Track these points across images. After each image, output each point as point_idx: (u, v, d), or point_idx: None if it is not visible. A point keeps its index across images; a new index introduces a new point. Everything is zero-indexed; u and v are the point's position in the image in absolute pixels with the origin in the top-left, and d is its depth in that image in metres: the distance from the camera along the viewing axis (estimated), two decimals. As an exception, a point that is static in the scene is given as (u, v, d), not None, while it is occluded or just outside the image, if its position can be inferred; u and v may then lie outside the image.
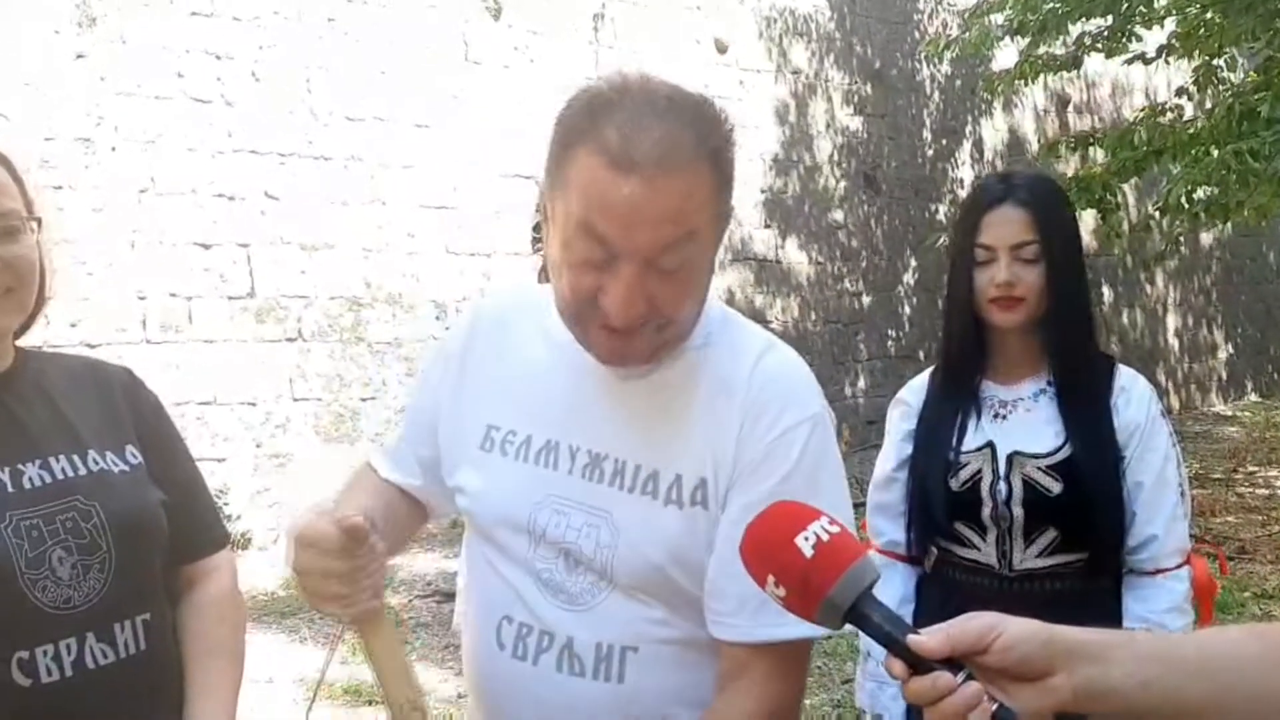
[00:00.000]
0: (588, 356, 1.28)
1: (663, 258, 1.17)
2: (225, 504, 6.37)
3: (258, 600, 5.75)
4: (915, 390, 2.13)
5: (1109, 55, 7.57)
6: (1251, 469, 8.76)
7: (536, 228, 2.47)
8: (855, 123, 9.95)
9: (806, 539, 0.95)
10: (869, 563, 0.96)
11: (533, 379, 1.37)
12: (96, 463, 1.45)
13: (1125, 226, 8.47)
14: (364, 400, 7.01)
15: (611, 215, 1.15)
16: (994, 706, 0.89)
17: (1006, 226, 1.95)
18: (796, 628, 1.22)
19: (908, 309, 10.38)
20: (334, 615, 1.26)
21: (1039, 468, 1.93)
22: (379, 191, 7.06)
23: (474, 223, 7.40)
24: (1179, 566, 1.94)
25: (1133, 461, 1.94)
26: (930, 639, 0.91)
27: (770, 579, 0.96)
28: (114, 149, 6.11)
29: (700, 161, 1.17)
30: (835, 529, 0.96)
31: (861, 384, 9.79)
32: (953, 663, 0.91)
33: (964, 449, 1.99)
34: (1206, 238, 13.04)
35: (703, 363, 1.31)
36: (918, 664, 0.91)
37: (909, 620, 1.17)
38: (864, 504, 2.16)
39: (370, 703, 4.40)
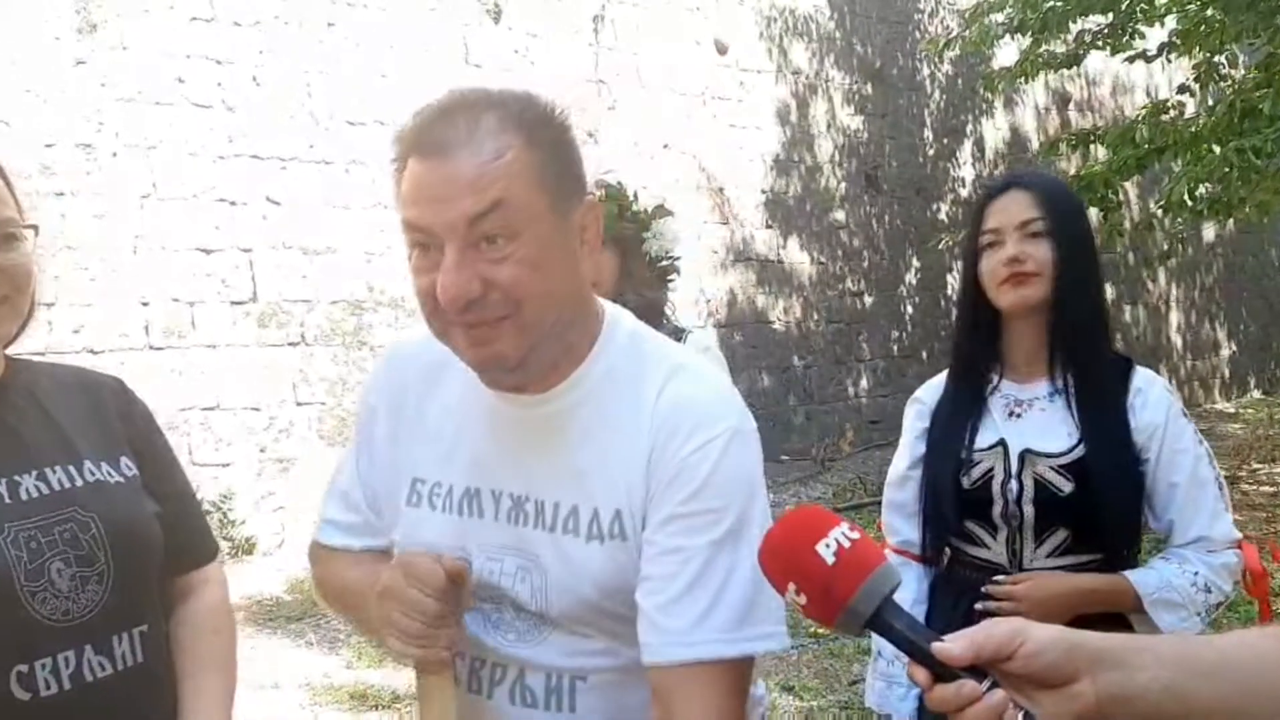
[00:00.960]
0: (497, 397, 1.26)
1: (478, 229, 1.14)
2: (229, 509, 6.38)
3: (263, 605, 5.75)
4: (932, 389, 2.12)
5: (1111, 53, 7.57)
6: (1256, 466, 8.75)
7: None
8: (856, 122, 9.95)
9: (828, 546, 0.94)
10: (890, 569, 0.95)
11: (450, 425, 1.34)
12: (93, 474, 1.44)
13: (1127, 224, 8.46)
14: (367, 404, 7.00)
15: (421, 200, 1.16)
16: (1019, 714, 0.89)
17: (1012, 207, 1.96)
18: (719, 647, 1.19)
19: (910, 309, 10.38)
20: (404, 655, 1.24)
21: (1051, 467, 1.92)
22: (380, 195, 7.05)
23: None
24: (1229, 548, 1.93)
25: (1161, 464, 1.91)
26: (954, 646, 0.91)
27: (791, 587, 0.96)
28: (115, 155, 6.11)
29: (508, 133, 1.16)
30: (856, 535, 0.95)
31: (864, 384, 9.79)
32: (976, 670, 0.90)
33: (977, 447, 1.98)
34: (1208, 235, 13.03)
35: (609, 391, 1.27)
36: (941, 671, 0.91)
37: (921, 620, 1.16)
38: (875, 503, 2.16)
39: (375, 707, 4.39)
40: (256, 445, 6.59)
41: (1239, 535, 1.98)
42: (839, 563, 0.93)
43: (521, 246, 1.16)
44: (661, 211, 2.82)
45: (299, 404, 6.75)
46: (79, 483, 1.42)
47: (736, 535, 1.19)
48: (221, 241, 6.46)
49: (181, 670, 1.49)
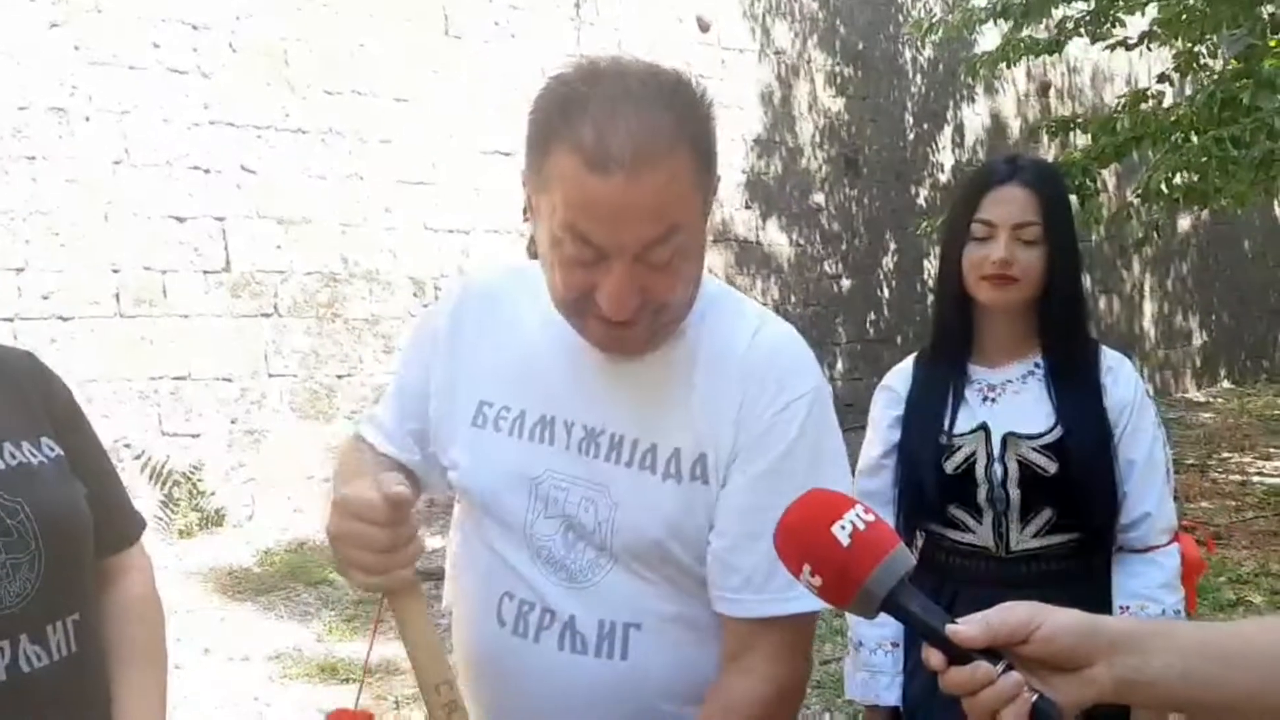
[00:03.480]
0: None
1: (652, 253, 1.16)
2: (199, 480, 6.33)
3: (233, 576, 5.71)
4: (900, 376, 2.11)
5: (1092, 40, 7.58)
6: (1225, 455, 8.84)
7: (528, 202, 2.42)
8: (837, 105, 9.93)
9: (843, 527, 0.94)
10: (904, 552, 0.95)
11: (525, 355, 1.35)
12: (14, 455, 1.35)
13: (1105, 213, 8.50)
14: (340, 377, 6.95)
15: (595, 217, 1.13)
16: (1034, 697, 0.89)
17: (1010, 205, 1.94)
18: (801, 602, 1.23)
19: (887, 293, 10.39)
20: (365, 585, 1.23)
21: (1033, 448, 1.93)
22: (357, 166, 6.99)
23: (453, 199, 7.34)
24: (1168, 544, 1.95)
25: (1124, 440, 1.94)
26: (970, 628, 0.90)
27: (806, 567, 0.96)
28: (88, 119, 6.01)
29: (680, 147, 1.15)
30: (870, 517, 0.96)
31: (840, 367, 9.80)
32: (991, 652, 0.90)
33: (957, 432, 1.97)
34: (1183, 225, 13.11)
35: (698, 338, 1.29)
36: (955, 654, 0.91)
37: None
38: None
39: (346, 680, 4.37)
40: (228, 416, 6.53)
41: (1176, 524, 2.00)
42: (854, 545, 0.93)
43: (685, 262, 1.20)
44: None
45: (271, 375, 6.69)
46: (1, 466, 1.33)
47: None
48: (195, 209, 6.38)
49: (112, 664, 1.43)
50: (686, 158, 1.16)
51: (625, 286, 1.16)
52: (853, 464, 2.23)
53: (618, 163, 1.11)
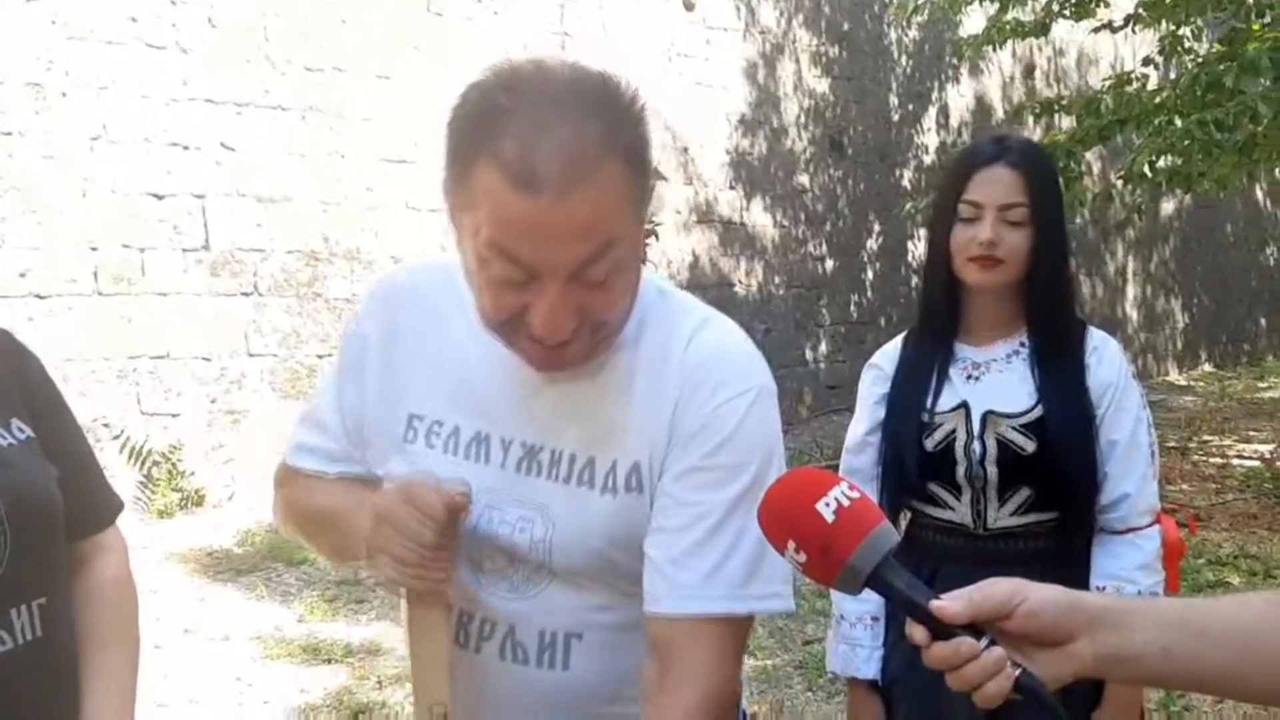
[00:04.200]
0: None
1: (587, 271, 1.10)
2: (178, 460, 6.29)
3: (214, 556, 5.69)
4: (888, 355, 2.12)
5: (1077, 19, 7.58)
6: (1206, 438, 8.89)
7: None
8: (822, 85, 9.90)
9: (828, 505, 0.94)
10: (889, 528, 0.96)
11: (458, 366, 1.29)
12: None
13: (1089, 196, 8.50)
14: (321, 357, 6.91)
15: (524, 237, 1.07)
16: (1017, 672, 0.90)
17: (997, 185, 1.93)
18: (728, 603, 1.19)
19: (871, 274, 10.40)
20: (392, 580, 1.19)
21: (1013, 427, 1.93)
22: (337, 144, 6.93)
23: (434, 178, 7.27)
24: (1149, 526, 1.95)
25: (1106, 420, 1.94)
26: (953, 604, 0.91)
27: (791, 544, 0.96)
28: (65, 94, 5.94)
29: (611, 158, 1.08)
30: (855, 494, 0.96)
31: (823, 349, 9.81)
32: (974, 628, 0.91)
33: (938, 409, 1.98)
34: (1166, 209, 13.16)
35: (637, 347, 1.25)
36: (939, 629, 0.91)
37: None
38: (831, 467, 2.15)
39: (328, 661, 4.36)
40: (207, 396, 6.49)
41: (1159, 505, 2.01)
42: (839, 521, 0.94)
43: (621, 276, 1.14)
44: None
45: (251, 355, 6.65)
46: None
47: (753, 494, 1.16)
48: (173, 187, 6.32)
49: (82, 647, 1.40)
50: (618, 168, 1.09)
51: (560, 308, 1.10)
52: (839, 445, 2.24)
53: (545, 181, 1.04)
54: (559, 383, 1.24)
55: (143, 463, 6.19)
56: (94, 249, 6.04)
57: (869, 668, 2.02)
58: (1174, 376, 13.28)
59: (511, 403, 1.26)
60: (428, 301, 1.32)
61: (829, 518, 0.94)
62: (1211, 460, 8.07)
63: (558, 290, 1.10)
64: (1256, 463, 7.66)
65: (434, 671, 1.23)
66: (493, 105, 1.09)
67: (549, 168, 1.05)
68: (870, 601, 2.01)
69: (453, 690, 1.23)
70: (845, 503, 0.94)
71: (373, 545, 1.20)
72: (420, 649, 1.24)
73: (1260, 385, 12.54)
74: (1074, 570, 1.91)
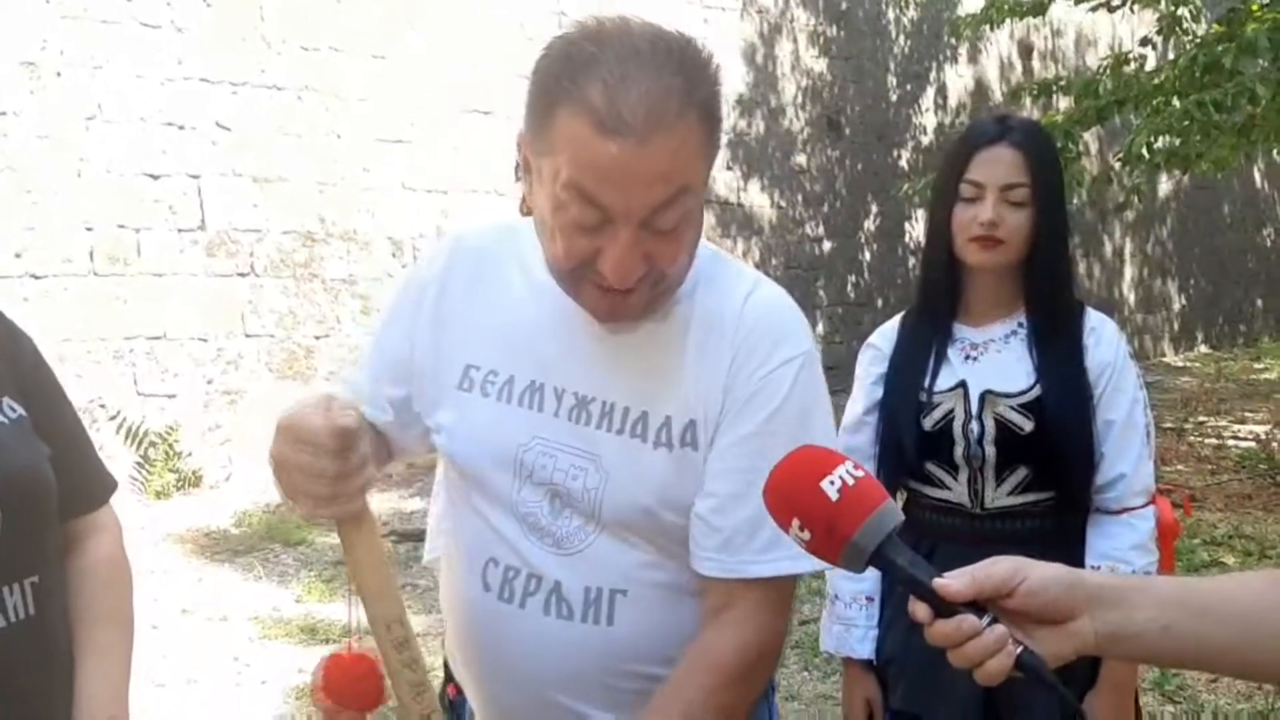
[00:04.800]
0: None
1: (659, 217, 1.15)
2: (175, 441, 6.29)
3: (211, 537, 5.69)
4: (886, 335, 2.12)
5: (1075, 2, 7.54)
6: (1201, 419, 8.90)
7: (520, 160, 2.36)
8: (820, 65, 9.87)
9: (832, 483, 0.95)
10: (893, 507, 0.96)
11: (514, 319, 1.32)
12: None
13: (1086, 177, 8.49)
14: (318, 338, 6.91)
15: (604, 180, 1.12)
16: (1018, 649, 0.91)
17: (999, 166, 1.93)
18: (781, 564, 1.23)
19: (868, 255, 10.39)
20: (312, 514, 1.21)
21: (1010, 406, 1.93)
22: (333, 124, 6.91)
23: (431, 158, 7.27)
24: (1144, 506, 1.95)
25: (1103, 400, 1.95)
26: (955, 582, 0.92)
27: (795, 522, 0.97)
28: (59, 74, 5.91)
29: (690, 112, 1.14)
30: (860, 473, 0.97)
31: (820, 330, 9.81)
32: (976, 605, 0.92)
33: (936, 389, 1.98)
34: (1164, 190, 13.15)
35: (692, 306, 1.28)
36: (941, 607, 0.92)
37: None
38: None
39: (326, 640, 4.37)
40: (204, 377, 6.48)
41: (1154, 486, 2.01)
42: (843, 499, 0.95)
43: (689, 228, 1.19)
44: None
45: (248, 336, 6.64)
46: None
47: None
48: (169, 167, 6.30)
49: (76, 626, 1.40)
50: (696, 122, 1.15)
51: (630, 252, 1.15)
52: (836, 426, 2.25)
53: (629, 126, 1.09)
54: (614, 336, 1.27)
55: (139, 444, 6.19)
56: (89, 229, 6.02)
57: (864, 647, 2.03)
58: (1170, 358, 13.29)
59: (566, 353, 1.29)
60: (491, 258, 1.37)
61: (833, 496, 0.94)
62: (1207, 441, 8.09)
63: (630, 235, 1.14)
64: (1252, 444, 7.68)
65: (378, 590, 1.22)
66: (580, 54, 1.13)
67: (634, 114, 1.09)
68: (865, 581, 2.02)
69: (400, 600, 1.24)
70: (850, 481, 0.95)
71: (285, 490, 1.21)
72: (359, 569, 1.22)
73: (1256, 366, 12.56)
74: (1070, 550, 1.91)
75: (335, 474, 1.17)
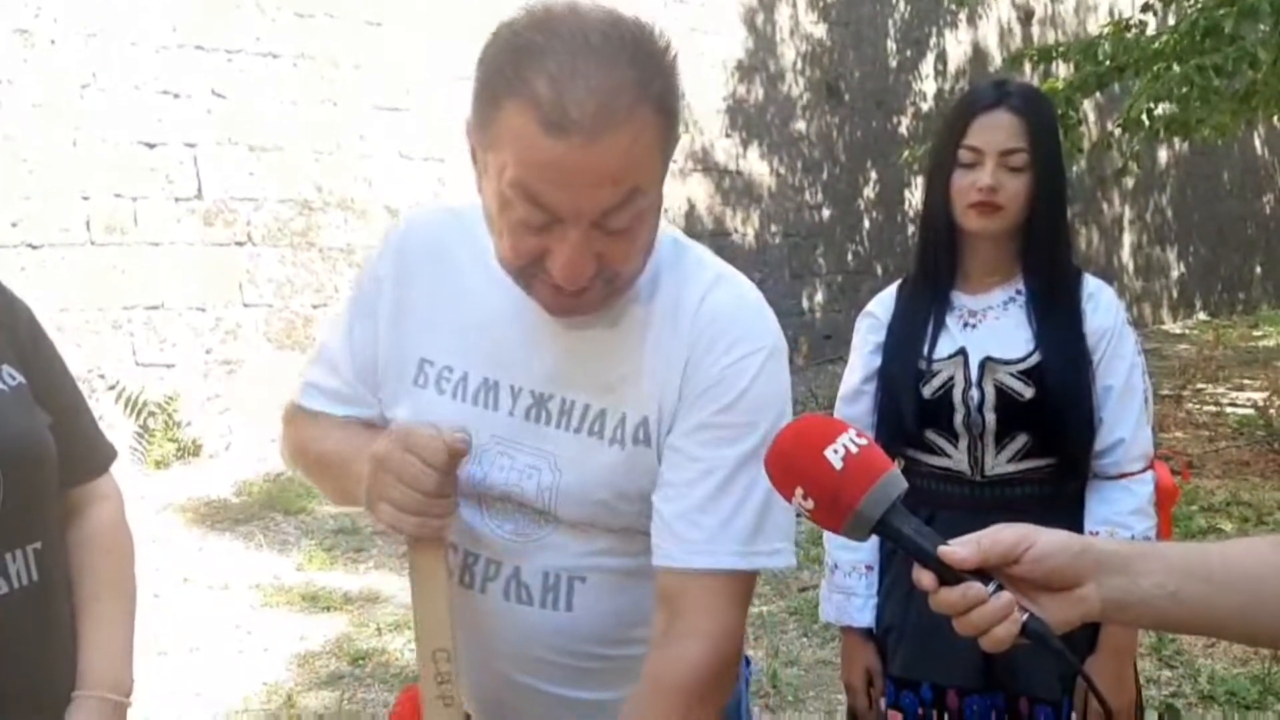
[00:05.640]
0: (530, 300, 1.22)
1: (611, 218, 1.09)
2: (174, 411, 6.29)
3: (211, 506, 5.71)
4: (883, 303, 2.10)
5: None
6: (1200, 386, 8.91)
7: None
8: (820, 30, 9.81)
9: (835, 451, 0.94)
10: (897, 475, 0.95)
11: (469, 312, 1.28)
12: None
13: (1086, 144, 8.46)
14: (315, 307, 6.90)
15: (550, 180, 1.06)
16: (1024, 616, 0.91)
17: (997, 131, 1.91)
18: (734, 559, 1.20)
19: (867, 223, 10.36)
20: (393, 524, 1.20)
21: (1010, 373, 1.93)
22: (329, 92, 6.86)
23: (428, 126, 7.23)
24: (1143, 471, 1.95)
25: (1102, 365, 1.94)
26: (961, 550, 0.92)
27: (798, 491, 0.96)
28: (54, 42, 5.87)
29: (642, 107, 1.07)
30: (863, 441, 0.96)
31: (819, 298, 9.80)
32: (982, 573, 0.92)
33: (936, 357, 1.97)
34: (1163, 157, 13.10)
35: (652, 301, 1.25)
36: (946, 574, 0.92)
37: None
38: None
39: (327, 609, 4.39)
40: (202, 347, 6.48)
41: (1153, 451, 2.00)
42: (847, 468, 0.94)
43: (642, 227, 1.14)
44: None
45: (246, 305, 6.63)
46: None
47: (761, 452, 1.16)
48: (165, 135, 6.26)
49: (78, 594, 1.41)
50: (649, 117, 1.08)
51: (580, 254, 1.10)
52: (834, 395, 2.24)
53: (577, 124, 1.03)
54: (571, 331, 1.23)
55: (139, 414, 6.19)
56: (85, 198, 6.00)
57: (863, 616, 2.03)
58: (1169, 325, 13.29)
59: (523, 351, 1.26)
60: (444, 247, 1.32)
61: (837, 465, 0.94)
62: (1205, 408, 8.10)
63: (579, 236, 1.09)
64: (1250, 411, 7.69)
65: (435, 616, 1.23)
66: (526, 44, 1.07)
67: (581, 110, 1.03)
68: (864, 550, 2.02)
69: (455, 634, 1.24)
70: (854, 449, 0.94)
71: (373, 493, 1.20)
72: (421, 594, 1.24)
73: (1255, 334, 12.57)
74: (1069, 516, 1.91)
75: (433, 490, 1.17)
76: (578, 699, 1.30)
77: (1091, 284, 2.00)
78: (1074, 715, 1.91)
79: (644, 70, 1.08)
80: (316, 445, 1.39)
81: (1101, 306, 1.97)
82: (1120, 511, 1.93)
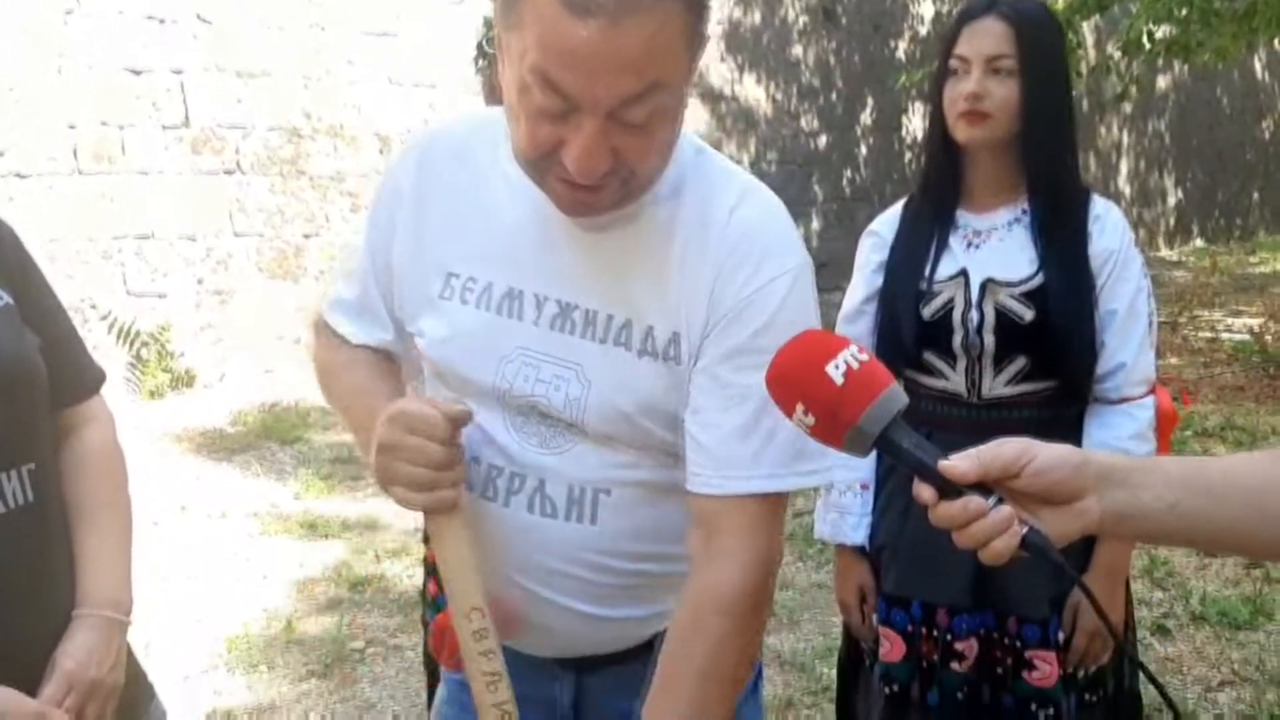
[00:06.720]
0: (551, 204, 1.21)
1: (629, 110, 1.06)
2: (167, 341, 6.27)
3: (207, 436, 5.71)
4: (888, 222, 2.08)
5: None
6: (1196, 312, 8.92)
7: (480, 47, 2.25)
8: (815, -47, 9.64)
9: (837, 367, 0.94)
10: (898, 390, 0.95)
11: (492, 222, 1.27)
12: None
13: (1084, 68, 8.36)
14: (307, 237, 6.84)
15: (569, 65, 1.03)
16: (1024, 529, 0.91)
17: (985, 38, 1.88)
18: (768, 481, 1.21)
19: (864, 150, 10.27)
20: (409, 502, 1.21)
21: (1011, 295, 1.91)
22: (318, 16, 6.74)
23: (418, 52, 7.12)
24: (1144, 396, 1.94)
25: (1106, 289, 1.92)
26: (961, 463, 0.91)
27: (799, 407, 0.95)
28: (33, -35, 5.75)
29: None
30: (865, 357, 0.95)
31: (815, 226, 9.74)
32: (982, 487, 0.92)
33: (937, 278, 1.95)
34: (1162, 82, 12.96)
35: (676, 210, 1.22)
36: (947, 488, 0.92)
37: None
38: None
39: (325, 536, 4.41)
40: (194, 276, 6.44)
41: (1155, 375, 1.99)
42: (848, 384, 0.93)
43: (662, 125, 1.11)
44: None
45: (237, 235, 6.58)
46: None
47: None
48: (151, 62, 6.16)
49: (73, 514, 1.41)
50: (677, 7, 1.05)
51: (595, 146, 1.07)
52: (831, 323, 2.23)
53: (601, 5, 1.00)
54: (589, 234, 1.22)
55: (131, 344, 6.17)
56: (72, 127, 5.92)
57: (857, 534, 2.04)
58: (1165, 252, 13.26)
59: (546, 259, 1.24)
60: (465, 156, 1.30)
61: (838, 380, 0.93)
62: (1201, 335, 8.11)
63: (595, 126, 1.06)
64: (1246, 337, 7.70)
65: (464, 578, 1.24)
66: None
67: None
68: (860, 469, 2.02)
69: (484, 591, 1.25)
70: (854, 365, 0.94)
71: (383, 476, 1.21)
72: (448, 559, 1.24)
73: (1251, 260, 12.55)
74: (1067, 440, 1.87)
75: (440, 461, 1.18)
76: (596, 615, 1.31)
77: (1099, 205, 1.97)
78: (1060, 634, 1.92)
79: None
80: (337, 384, 1.40)
81: (1108, 228, 1.93)
82: (1120, 436, 1.92)
